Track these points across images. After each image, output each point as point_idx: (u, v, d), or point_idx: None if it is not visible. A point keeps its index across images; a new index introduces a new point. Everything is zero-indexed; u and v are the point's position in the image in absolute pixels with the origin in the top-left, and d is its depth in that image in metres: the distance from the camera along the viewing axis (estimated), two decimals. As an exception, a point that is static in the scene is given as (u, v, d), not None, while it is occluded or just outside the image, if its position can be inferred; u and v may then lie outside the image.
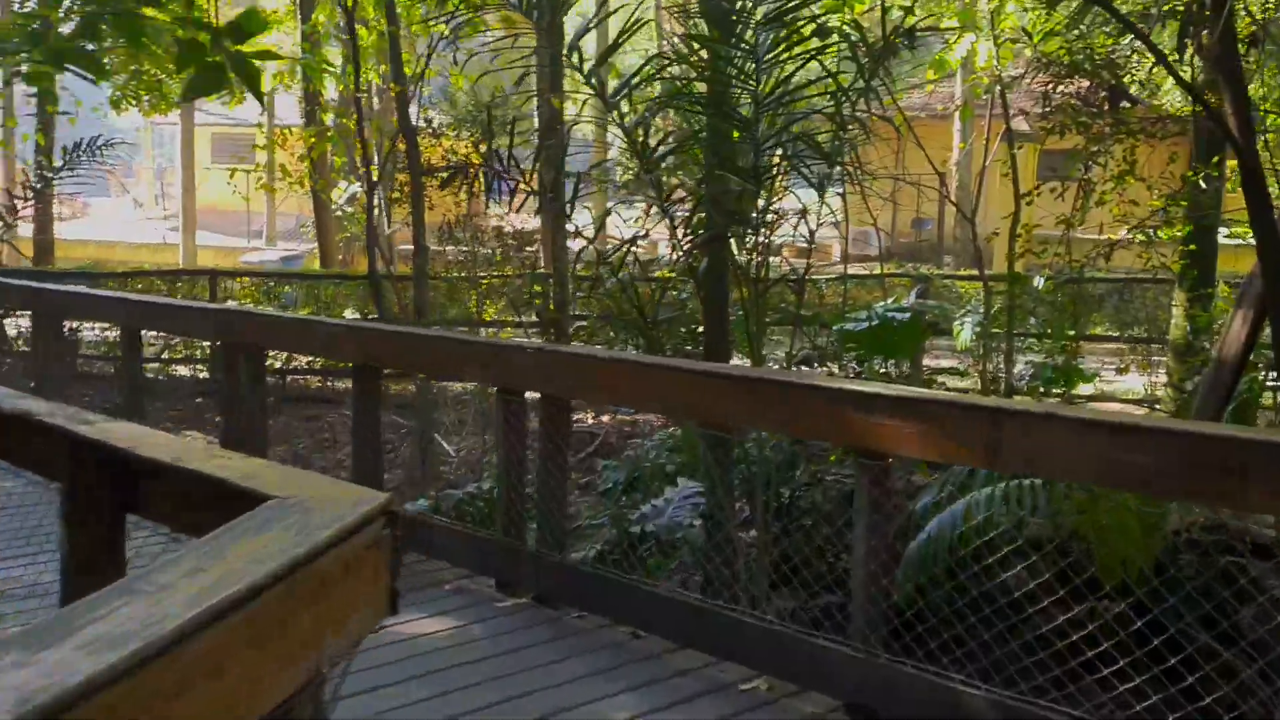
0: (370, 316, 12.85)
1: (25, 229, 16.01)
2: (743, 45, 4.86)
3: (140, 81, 16.11)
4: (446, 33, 9.89)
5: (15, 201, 11.04)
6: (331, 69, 12.61)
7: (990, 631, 3.45)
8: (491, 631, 4.26)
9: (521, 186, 5.70)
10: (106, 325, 13.81)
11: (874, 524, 3.40)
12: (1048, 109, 7.80)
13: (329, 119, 16.14)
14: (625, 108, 5.21)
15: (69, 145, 12.39)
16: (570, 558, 4.57)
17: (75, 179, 12.34)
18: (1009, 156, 8.27)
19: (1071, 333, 7.53)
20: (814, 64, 5.16)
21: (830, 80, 5.04)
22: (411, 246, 11.06)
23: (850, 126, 5.21)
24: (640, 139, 5.02)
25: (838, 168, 5.23)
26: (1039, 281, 7.64)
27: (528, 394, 4.55)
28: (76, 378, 10.64)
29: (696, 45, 4.94)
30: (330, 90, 16.47)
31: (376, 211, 13.11)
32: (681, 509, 5.99)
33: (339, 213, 18.31)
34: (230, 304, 6.92)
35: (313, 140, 13.90)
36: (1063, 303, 7.63)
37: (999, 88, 8.56)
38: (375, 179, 9.69)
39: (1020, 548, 4.19)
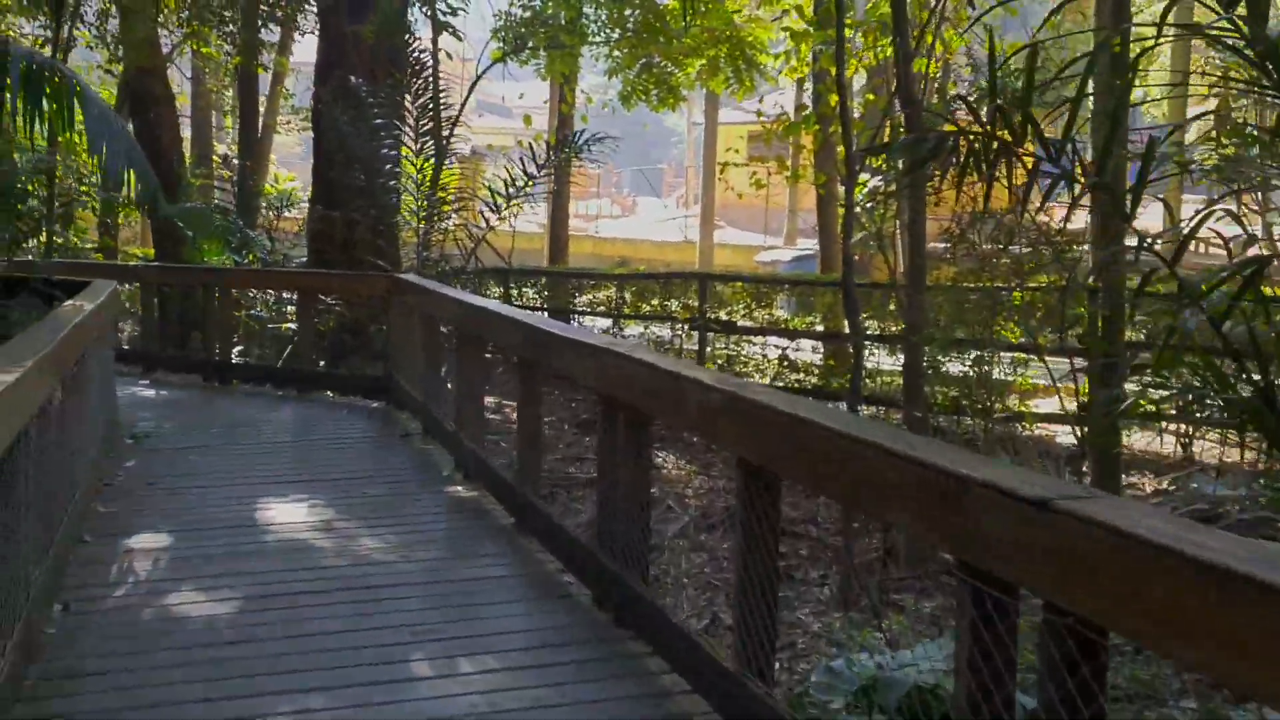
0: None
1: (525, 225, 15.99)
2: None
3: (650, 75, 15.41)
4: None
5: (499, 200, 10.42)
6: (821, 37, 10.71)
7: None
8: None
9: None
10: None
11: None
12: None
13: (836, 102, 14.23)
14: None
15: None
16: None
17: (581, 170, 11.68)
18: None
19: None
20: None
21: None
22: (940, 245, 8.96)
23: None
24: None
25: None
26: None
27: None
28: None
29: None
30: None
31: (871, 205, 11.02)
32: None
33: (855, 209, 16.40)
34: (621, 342, 5.16)
35: (814, 128, 12.13)
36: None
37: None
38: (856, 164, 7.71)
39: None
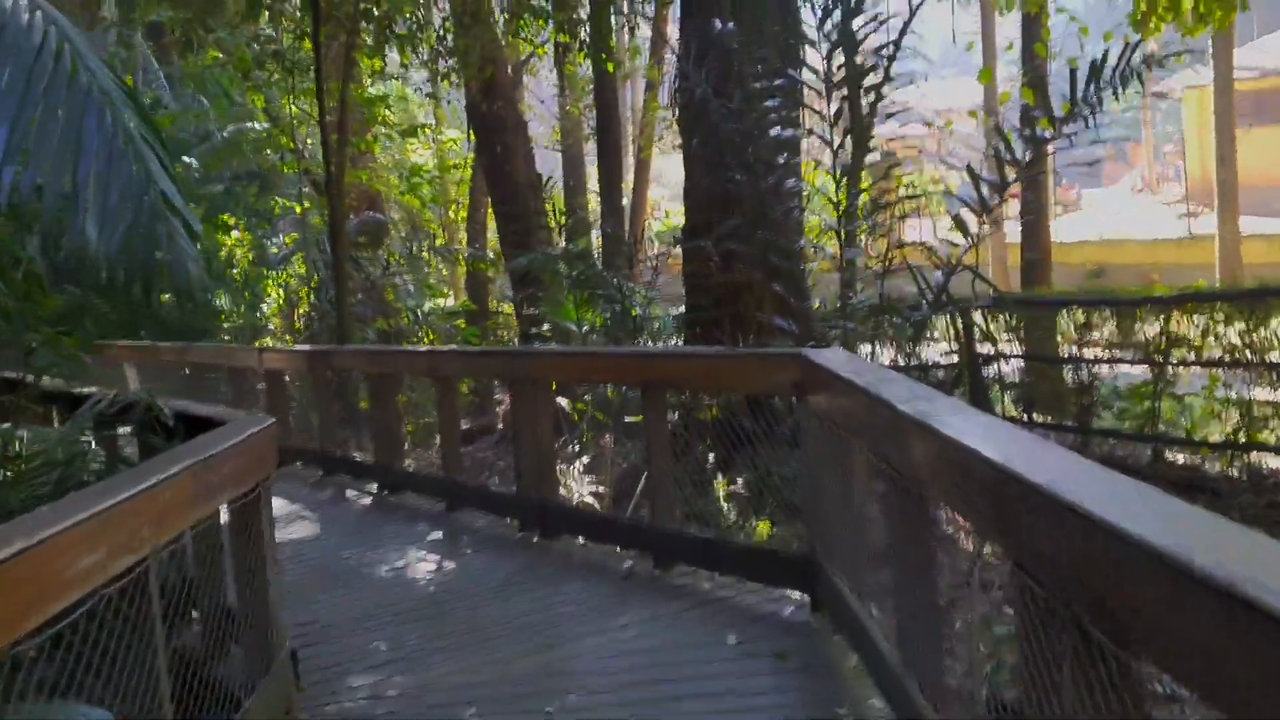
0: None
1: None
2: None
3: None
4: None
5: (989, 196, 5.81)
6: None
7: None
8: None
9: None
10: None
11: None
12: None
13: None
14: None
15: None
16: None
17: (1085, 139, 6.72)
18: None
19: None
20: None
21: None
22: None
23: None
24: None
25: None
26: None
27: None
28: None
29: None
30: None
31: None
32: None
33: None
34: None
35: None
36: None
37: None
38: None
39: None
